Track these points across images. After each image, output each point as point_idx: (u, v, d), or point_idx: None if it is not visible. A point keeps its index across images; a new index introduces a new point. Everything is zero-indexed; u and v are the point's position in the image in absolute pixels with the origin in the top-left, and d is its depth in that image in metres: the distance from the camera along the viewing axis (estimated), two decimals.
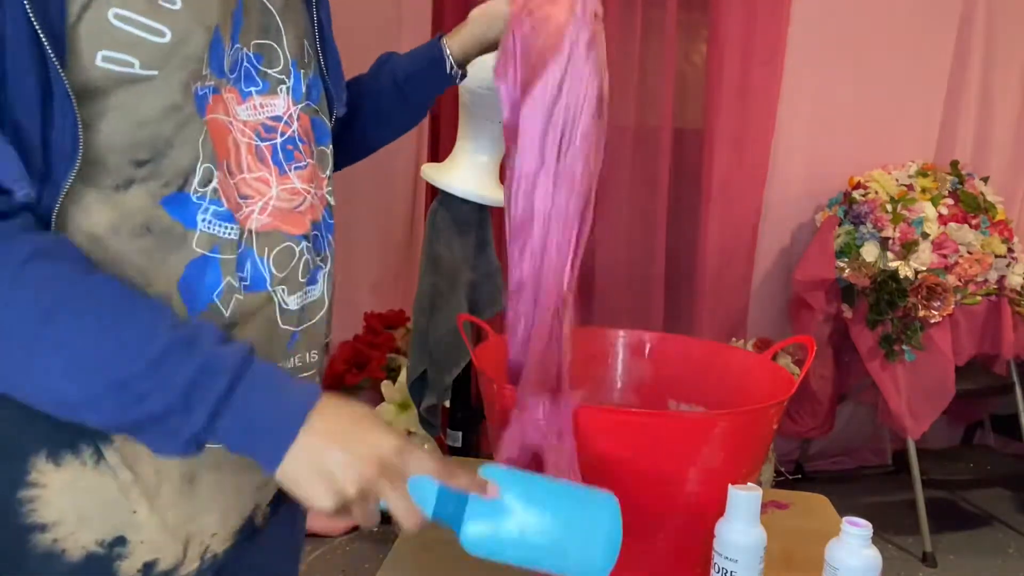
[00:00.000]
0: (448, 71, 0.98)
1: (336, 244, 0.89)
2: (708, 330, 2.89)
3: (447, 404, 2.22)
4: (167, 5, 0.65)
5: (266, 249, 0.77)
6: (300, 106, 0.81)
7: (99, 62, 0.62)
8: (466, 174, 1.79)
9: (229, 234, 0.73)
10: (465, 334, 1.03)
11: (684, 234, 2.94)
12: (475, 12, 0.97)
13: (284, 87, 0.79)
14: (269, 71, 0.78)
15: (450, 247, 1.91)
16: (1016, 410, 2.72)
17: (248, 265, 0.75)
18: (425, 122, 2.61)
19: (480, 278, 1.98)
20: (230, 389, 0.62)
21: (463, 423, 2.31)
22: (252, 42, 0.76)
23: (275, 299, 0.78)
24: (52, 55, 0.60)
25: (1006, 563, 2.56)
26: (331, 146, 0.87)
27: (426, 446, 2.43)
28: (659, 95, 2.84)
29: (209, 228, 0.71)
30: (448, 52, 0.97)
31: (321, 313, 0.86)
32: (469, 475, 0.68)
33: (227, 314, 0.73)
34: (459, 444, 2.33)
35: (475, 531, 0.66)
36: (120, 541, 0.71)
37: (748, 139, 2.85)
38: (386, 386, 2.43)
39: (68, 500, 0.68)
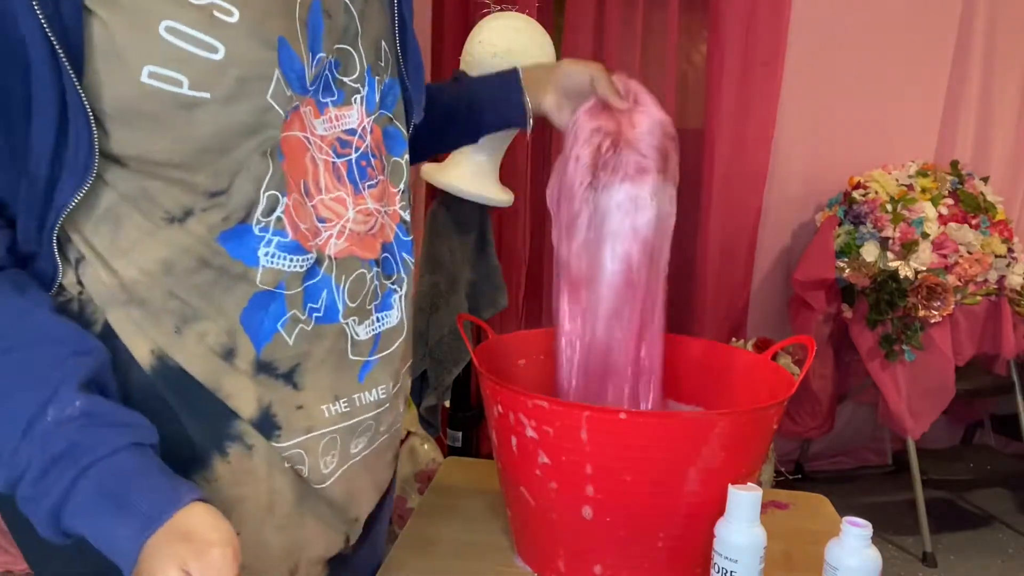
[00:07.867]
0: (526, 128, 0.97)
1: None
2: (708, 330, 2.89)
3: (447, 404, 2.22)
4: (223, 17, 0.59)
5: (343, 277, 0.72)
6: (373, 117, 0.74)
7: (145, 78, 0.58)
8: (466, 174, 1.79)
9: (296, 267, 0.67)
10: (465, 334, 1.03)
11: (684, 234, 2.94)
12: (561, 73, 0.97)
13: (358, 97, 0.73)
14: (345, 79, 0.71)
15: (450, 247, 1.91)
16: (1016, 410, 2.72)
17: (324, 295, 0.70)
18: None
19: (480, 278, 1.97)
20: (79, 476, 0.57)
21: (463, 423, 2.31)
22: (334, 47, 0.69)
23: (347, 331, 0.73)
24: (69, 68, 0.56)
25: (1006, 563, 2.56)
26: (406, 156, 0.80)
27: (426, 446, 2.43)
28: (660, 95, 2.80)
29: (273, 263, 0.66)
30: (530, 114, 0.96)
31: (399, 341, 0.79)
32: None
33: (291, 343, 0.68)
34: (459, 444, 2.33)
35: None
36: None
37: (748, 139, 2.85)
38: None
39: None
